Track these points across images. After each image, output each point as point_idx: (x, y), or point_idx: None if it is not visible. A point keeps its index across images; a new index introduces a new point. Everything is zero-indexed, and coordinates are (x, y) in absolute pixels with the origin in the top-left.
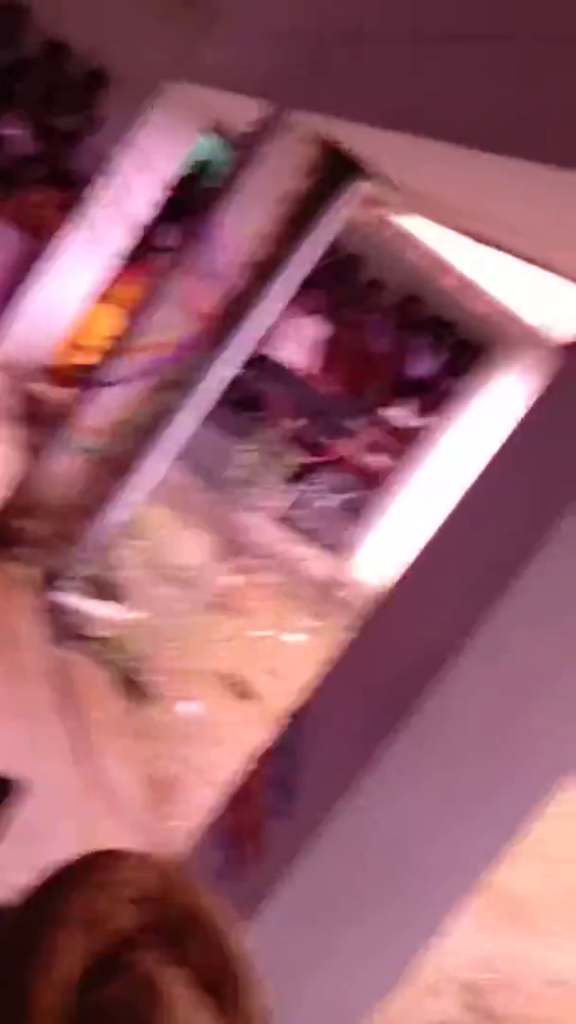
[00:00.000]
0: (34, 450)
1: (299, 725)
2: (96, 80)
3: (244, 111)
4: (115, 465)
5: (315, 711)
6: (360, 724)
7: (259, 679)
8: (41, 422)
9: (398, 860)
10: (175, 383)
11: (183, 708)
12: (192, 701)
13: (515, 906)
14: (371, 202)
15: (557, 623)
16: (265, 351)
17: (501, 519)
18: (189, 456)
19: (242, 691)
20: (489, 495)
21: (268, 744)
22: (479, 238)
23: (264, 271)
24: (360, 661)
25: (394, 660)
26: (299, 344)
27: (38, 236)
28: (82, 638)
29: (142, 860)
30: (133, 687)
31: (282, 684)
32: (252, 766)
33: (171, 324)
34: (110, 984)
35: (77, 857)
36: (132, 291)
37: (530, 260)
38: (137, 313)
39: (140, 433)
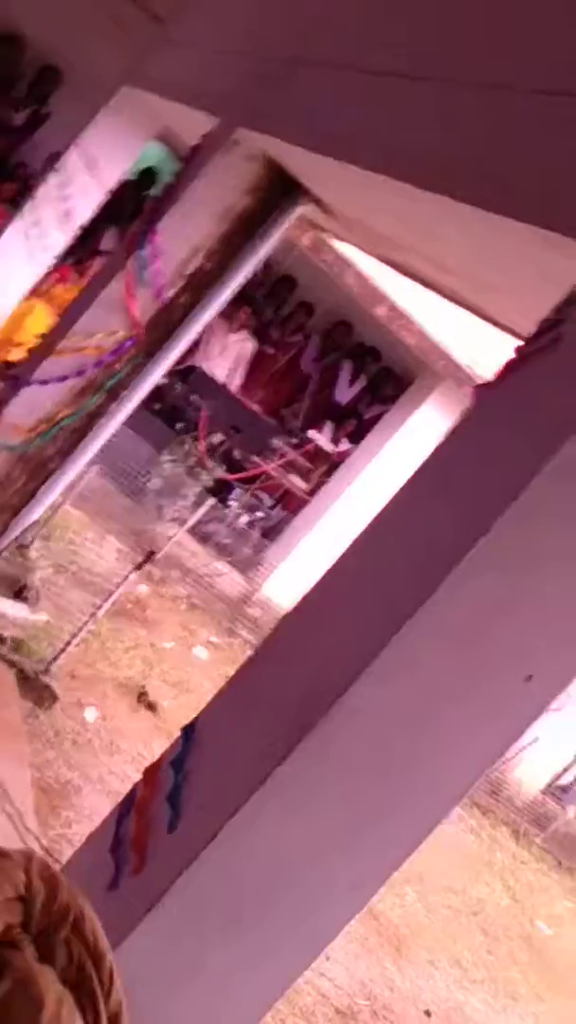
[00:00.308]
0: None
1: (192, 739)
2: (49, 77)
3: (193, 123)
4: (36, 464)
5: (210, 726)
6: (255, 742)
7: (161, 691)
8: None
9: (281, 881)
10: (102, 387)
11: (86, 714)
12: (92, 708)
13: (394, 934)
14: (309, 224)
15: (457, 651)
16: (194, 363)
17: (410, 544)
18: (110, 461)
19: (144, 701)
20: (399, 520)
21: (161, 757)
22: (409, 272)
23: (199, 284)
24: (260, 678)
25: (293, 679)
26: (227, 359)
27: None
28: None
29: (23, 858)
30: (35, 689)
31: (185, 698)
32: (144, 778)
33: (102, 327)
34: None
35: None
36: (65, 291)
37: (457, 300)
38: (69, 313)
39: (64, 434)
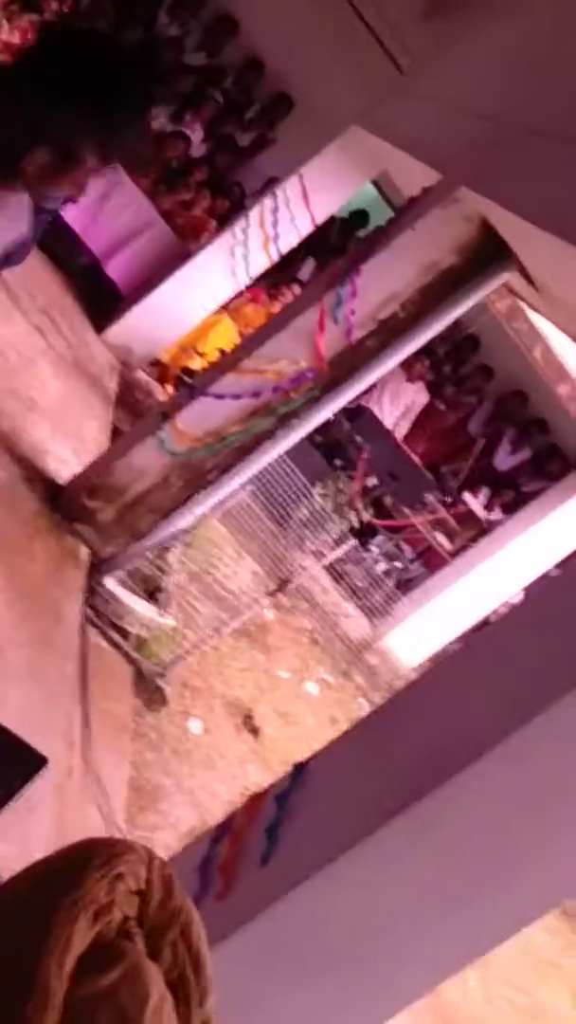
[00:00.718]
0: (123, 437)
1: (302, 777)
2: (281, 104)
3: (414, 173)
4: (195, 474)
5: (323, 768)
6: (364, 794)
7: (268, 718)
8: (137, 412)
9: (361, 940)
10: (274, 412)
11: (190, 724)
12: (198, 720)
13: (450, 1017)
14: (508, 290)
15: None
16: (364, 404)
17: (561, 632)
18: (262, 484)
19: (248, 725)
20: (554, 604)
21: (267, 788)
22: None
23: (390, 331)
24: (381, 733)
25: (419, 741)
26: (398, 406)
27: (186, 236)
28: (115, 629)
29: (146, 854)
30: (148, 690)
31: (289, 729)
32: (246, 805)
33: (287, 355)
34: (99, 974)
35: (90, 842)
36: (254, 311)
37: None
38: (257, 334)
39: (227, 450)
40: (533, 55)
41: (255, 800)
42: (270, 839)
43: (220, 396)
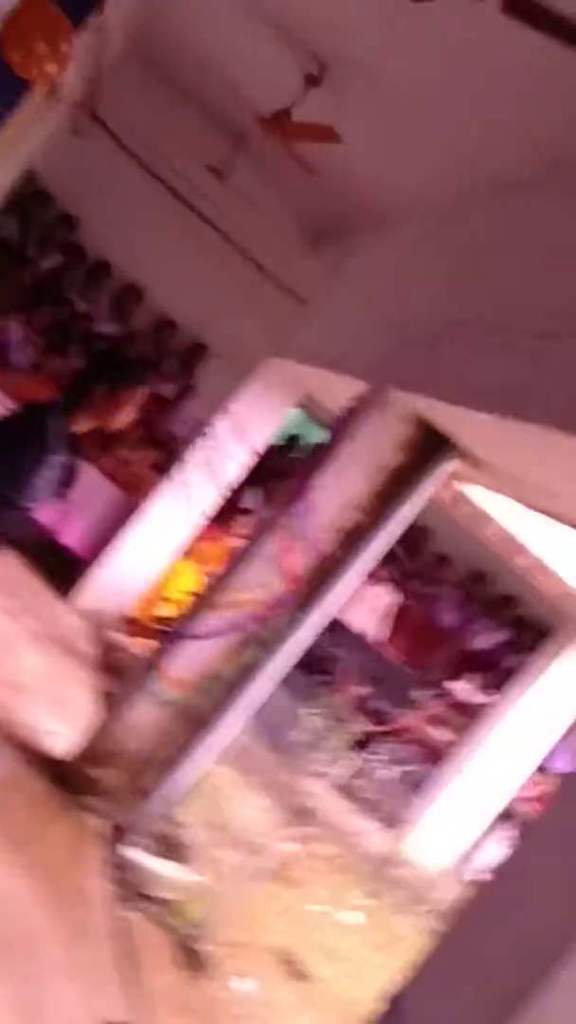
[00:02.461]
0: (112, 699)
1: (398, 1014)
2: (196, 352)
3: (336, 388)
4: (193, 719)
5: (413, 1002)
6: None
7: (313, 958)
8: (120, 671)
9: None
10: (259, 641)
11: (238, 985)
12: (247, 978)
13: None
14: (452, 476)
15: None
16: (336, 615)
17: None
18: (255, 714)
19: (296, 971)
20: None
21: None
22: (560, 517)
23: (353, 539)
24: (463, 953)
25: (501, 954)
26: (370, 611)
27: (132, 492)
28: (145, 898)
29: None
30: (191, 956)
31: (337, 966)
32: None
33: (260, 582)
34: None
35: None
36: (213, 549)
37: None
38: (225, 569)
39: (222, 688)
40: (412, 259)
41: None
42: None
43: (204, 636)
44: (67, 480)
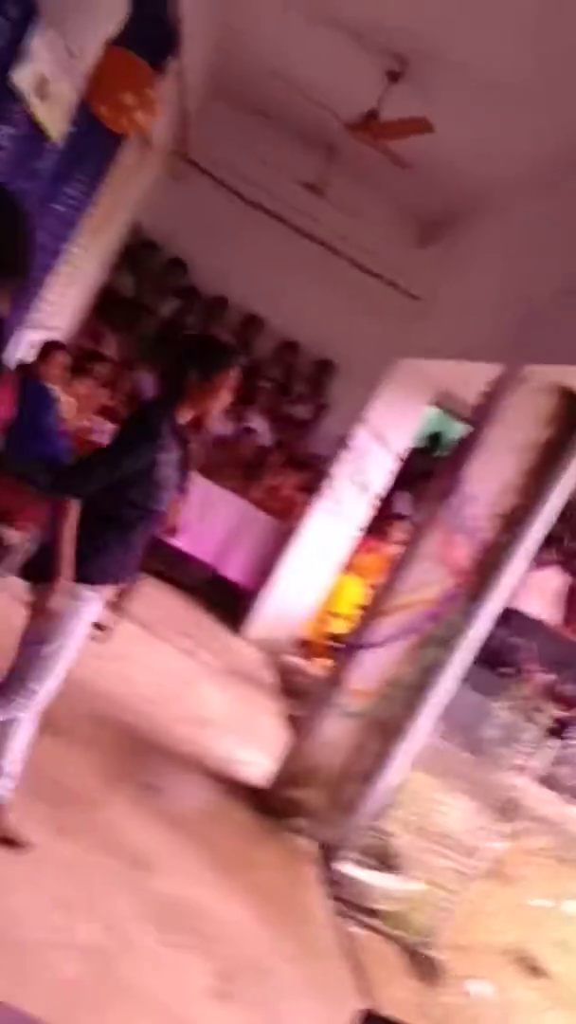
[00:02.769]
0: (299, 721)
1: None
2: (324, 369)
3: (470, 376)
4: (383, 727)
5: None
6: None
7: (547, 953)
8: (301, 694)
9: None
10: (437, 639)
11: (473, 988)
12: (481, 980)
13: None
14: None
15: None
16: (507, 605)
17: None
18: (445, 716)
19: (531, 967)
20: None
21: None
22: None
23: (513, 522)
24: None
25: None
26: (540, 596)
27: (285, 516)
28: (366, 912)
29: None
30: (422, 965)
31: (573, 959)
32: None
33: (427, 581)
34: None
35: None
36: (374, 559)
37: None
38: (390, 575)
39: (407, 692)
40: (525, 235)
41: None
42: None
43: (381, 643)
44: (184, 474)
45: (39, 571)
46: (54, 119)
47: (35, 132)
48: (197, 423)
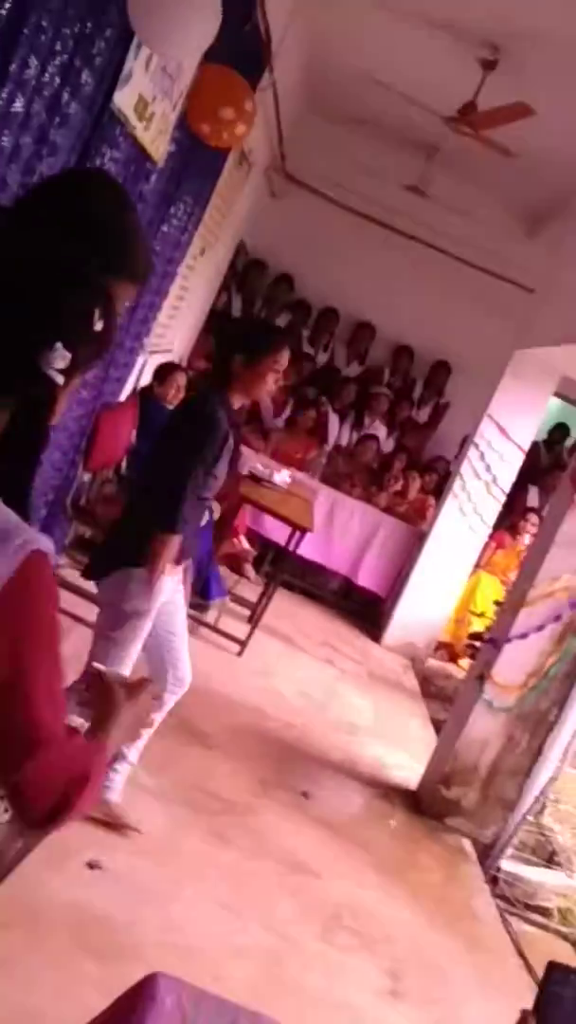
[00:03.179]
0: (451, 718)
1: None
2: (440, 371)
3: None
4: (533, 720)
5: None
6: None
7: None
8: (445, 696)
9: None
10: None
11: None
12: None
13: None
14: None
15: None
16: None
17: None
18: None
19: None
20: None
21: None
22: None
23: None
24: None
25: None
26: None
27: (414, 520)
28: (533, 909)
29: None
30: None
31: None
32: None
33: (566, 568)
34: None
35: None
36: (506, 555)
37: None
38: (528, 562)
39: (555, 683)
40: None
41: None
42: None
43: (524, 635)
44: (235, 460)
45: (101, 569)
46: (156, 141)
47: (139, 155)
48: (253, 409)
